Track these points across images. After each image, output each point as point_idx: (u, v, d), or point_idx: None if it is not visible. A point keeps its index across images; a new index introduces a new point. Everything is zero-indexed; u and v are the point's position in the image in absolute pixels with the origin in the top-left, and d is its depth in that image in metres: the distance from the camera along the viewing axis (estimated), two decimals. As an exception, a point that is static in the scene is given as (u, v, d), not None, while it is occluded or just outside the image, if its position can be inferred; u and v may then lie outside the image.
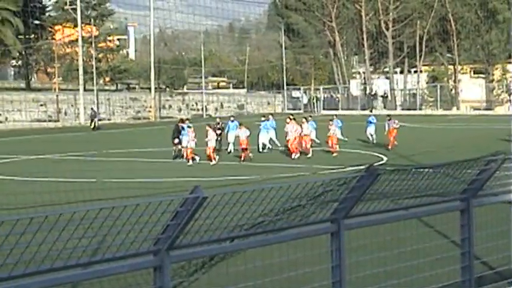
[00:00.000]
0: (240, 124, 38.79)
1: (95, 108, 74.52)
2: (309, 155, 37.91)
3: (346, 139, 43.51)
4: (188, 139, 35.99)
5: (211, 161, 35.55)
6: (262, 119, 42.03)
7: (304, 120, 39.76)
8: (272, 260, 7.93)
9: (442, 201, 9.07)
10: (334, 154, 38.49)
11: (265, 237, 7.30)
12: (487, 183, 9.14)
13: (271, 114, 47.82)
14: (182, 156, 37.20)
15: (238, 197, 6.47)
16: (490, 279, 10.25)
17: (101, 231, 5.79)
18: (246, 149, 36.77)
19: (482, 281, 9.97)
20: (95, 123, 69.07)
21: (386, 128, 42.49)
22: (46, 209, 18.69)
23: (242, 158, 36.22)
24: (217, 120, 42.51)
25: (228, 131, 40.12)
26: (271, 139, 41.44)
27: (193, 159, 35.57)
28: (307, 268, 7.92)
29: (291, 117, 40.83)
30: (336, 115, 45.63)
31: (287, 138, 38.40)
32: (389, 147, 40.74)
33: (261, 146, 40.52)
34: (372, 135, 44.52)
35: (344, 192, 7.64)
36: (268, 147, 40.89)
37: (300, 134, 38.48)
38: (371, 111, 49.66)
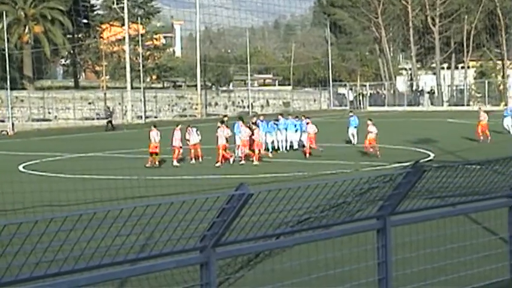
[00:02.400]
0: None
1: (111, 108, 74.41)
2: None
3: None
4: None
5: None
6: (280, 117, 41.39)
7: (241, 122, 36.82)
8: (318, 256, 7.93)
9: (490, 198, 8.97)
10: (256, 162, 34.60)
11: (311, 234, 7.30)
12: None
13: (281, 114, 45.99)
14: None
15: (284, 194, 6.49)
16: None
17: (148, 228, 5.85)
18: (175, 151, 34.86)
19: (532, 278, 9.83)
20: (110, 122, 67.52)
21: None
22: (93, 206, 18.93)
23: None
24: (254, 119, 40.53)
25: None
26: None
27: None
28: (353, 265, 7.90)
29: (225, 119, 38.28)
30: (304, 116, 42.72)
31: (218, 143, 34.84)
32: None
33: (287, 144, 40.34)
34: (353, 136, 42.52)
35: (390, 189, 7.61)
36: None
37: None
38: (351, 111, 47.45)
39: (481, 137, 41.77)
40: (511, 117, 46.86)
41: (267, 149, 37.48)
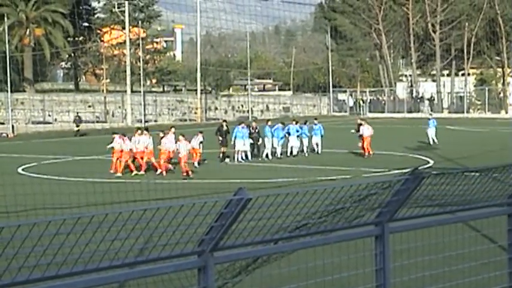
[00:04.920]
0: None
1: (80, 114, 73.56)
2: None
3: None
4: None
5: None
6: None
7: (163, 133, 35.06)
8: (316, 262, 7.93)
9: (489, 205, 8.96)
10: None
11: (309, 239, 7.30)
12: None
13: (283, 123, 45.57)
14: (228, 156, 37.74)
15: (283, 199, 6.49)
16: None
17: (146, 231, 5.85)
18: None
19: (530, 286, 9.82)
20: (79, 128, 66.03)
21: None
22: (91, 209, 18.94)
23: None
24: (253, 124, 40.69)
25: (265, 135, 39.87)
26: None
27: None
28: (351, 271, 7.90)
29: (143, 128, 37.48)
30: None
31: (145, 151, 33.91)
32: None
33: (289, 150, 40.33)
34: (317, 145, 41.99)
35: (389, 195, 7.60)
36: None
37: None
38: (315, 119, 46.15)
39: (366, 153, 39.50)
40: (435, 128, 45.27)
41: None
